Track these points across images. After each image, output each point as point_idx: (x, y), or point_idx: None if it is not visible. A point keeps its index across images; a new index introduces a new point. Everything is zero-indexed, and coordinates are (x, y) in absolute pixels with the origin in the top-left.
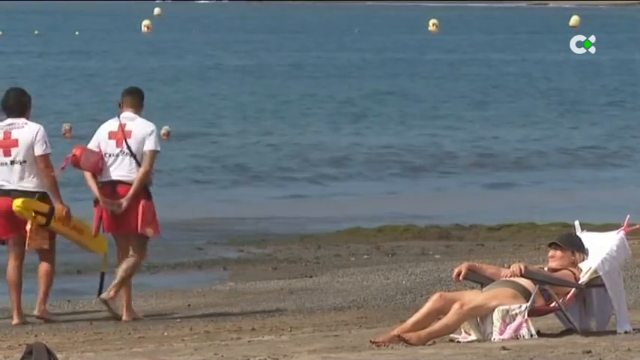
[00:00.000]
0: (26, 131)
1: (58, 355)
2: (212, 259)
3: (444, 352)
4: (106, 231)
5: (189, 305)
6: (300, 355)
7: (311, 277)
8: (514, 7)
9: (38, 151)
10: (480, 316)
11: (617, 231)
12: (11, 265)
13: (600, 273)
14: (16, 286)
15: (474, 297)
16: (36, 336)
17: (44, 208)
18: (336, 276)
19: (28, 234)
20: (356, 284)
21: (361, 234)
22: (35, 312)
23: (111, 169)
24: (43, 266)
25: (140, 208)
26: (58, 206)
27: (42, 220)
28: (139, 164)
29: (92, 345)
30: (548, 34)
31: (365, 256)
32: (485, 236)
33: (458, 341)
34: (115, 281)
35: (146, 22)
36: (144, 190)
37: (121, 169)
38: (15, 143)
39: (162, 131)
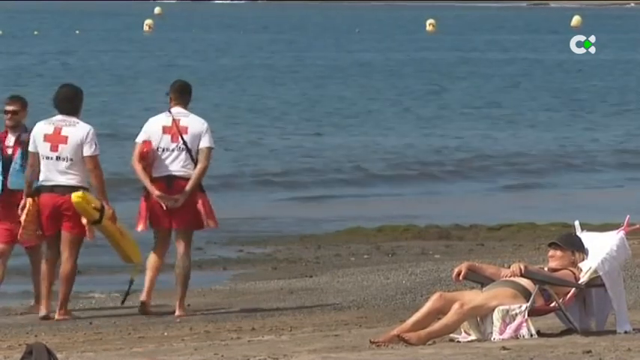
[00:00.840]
0: (77, 130)
1: (58, 355)
2: (212, 259)
3: (444, 352)
4: (154, 225)
5: (189, 305)
6: (300, 355)
7: (311, 277)
8: (514, 7)
9: (87, 151)
10: (480, 316)
11: (617, 231)
12: (49, 260)
13: (600, 273)
14: (49, 280)
15: (473, 297)
16: (36, 336)
17: (98, 204)
18: (336, 276)
19: (87, 226)
20: (356, 284)
21: (361, 234)
22: (56, 316)
23: (166, 163)
24: (67, 267)
25: (200, 202)
26: (105, 207)
27: (96, 214)
28: (193, 160)
29: (92, 345)
30: (553, 34)
31: (365, 256)
32: (485, 236)
33: (458, 341)
34: (179, 287)
35: (148, 21)
36: (198, 184)
37: (177, 165)
38: (64, 140)
39: None
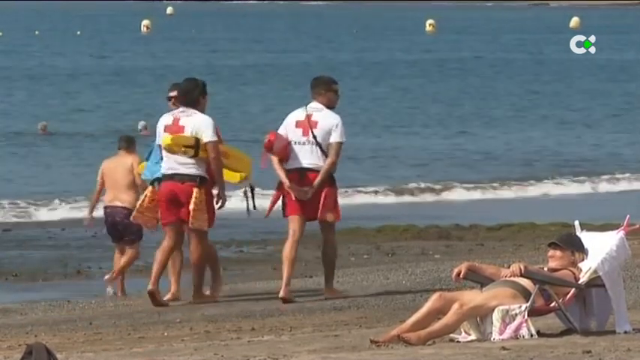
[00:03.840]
0: (193, 119)
1: (58, 355)
2: None
3: (444, 352)
4: (287, 215)
5: (189, 303)
6: (300, 355)
7: (311, 277)
8: (514, 7)
9: (206, 138)
10: (479, 316)
11: (616, 231)
12: (166, 247)
13: (600, 273)
14: (171, 266)
15: (473, 297)
16: (36, 336)
17: (191, 141)
18: (336, 276)
19: (191, 213)
20: (356, 284)
21: (361, 234)
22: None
23: (298, 156)
24: (194, 255)
25: (323, 194)
26: (200, 141)
27: (190, 152)
28: (323, 153)
29: (92, 345)
30: (555, 34)
31: (365, 256)
32: (485, 236)
33: (458, 341)
34: (325, 275)
35: (145, 22)
36: (329, 177)
37: (308, 157)
38: (181, 130)
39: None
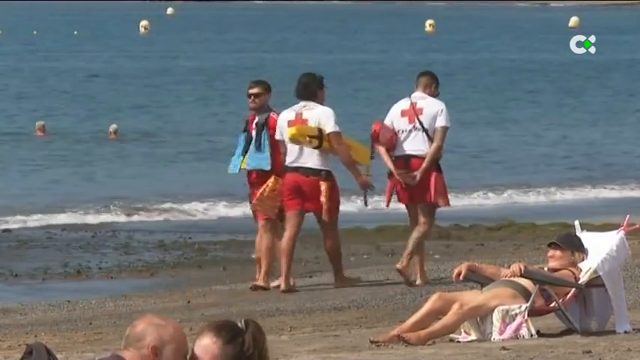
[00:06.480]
0: (316, 112)
1: (58, 355)
2: (212, 259)
3: (444, 352)
4: (401, 202)
5: (188, 302)
6: (300, 355)
7: (311, 277)
8: (514, 8)
9: (329, 129)
10: (479, 316)
11: (616, 231)
12: (287, 235)
13: (600, 273)
14: (288, 253)
15: (473, 297)
16: (36, 336)
17: (313, 131)
18: None
19: (324, 207)
20: (356, 284)
21: (361, 234)
22: (282, 287)
23: (404, 144)
24: (329, 243)
25: (432, 180)
26: (323, 131)
27: (315, 142)
28: (430, 139)
29: (92, 345)
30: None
31: (365, 256)
32: (485, 236)
33: (458, 341)
34: (407, 251)
35: (144, 22)
36: (435, 163)
37: (414, 144)
38: (305, 123)
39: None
